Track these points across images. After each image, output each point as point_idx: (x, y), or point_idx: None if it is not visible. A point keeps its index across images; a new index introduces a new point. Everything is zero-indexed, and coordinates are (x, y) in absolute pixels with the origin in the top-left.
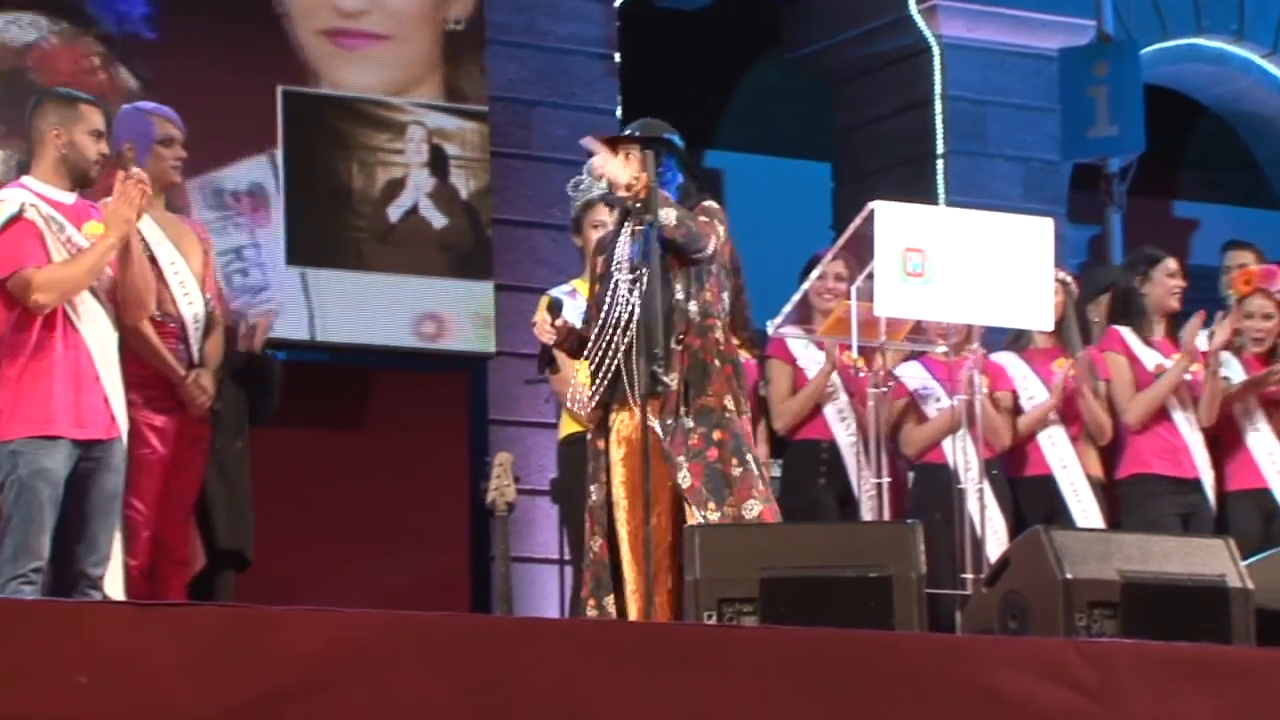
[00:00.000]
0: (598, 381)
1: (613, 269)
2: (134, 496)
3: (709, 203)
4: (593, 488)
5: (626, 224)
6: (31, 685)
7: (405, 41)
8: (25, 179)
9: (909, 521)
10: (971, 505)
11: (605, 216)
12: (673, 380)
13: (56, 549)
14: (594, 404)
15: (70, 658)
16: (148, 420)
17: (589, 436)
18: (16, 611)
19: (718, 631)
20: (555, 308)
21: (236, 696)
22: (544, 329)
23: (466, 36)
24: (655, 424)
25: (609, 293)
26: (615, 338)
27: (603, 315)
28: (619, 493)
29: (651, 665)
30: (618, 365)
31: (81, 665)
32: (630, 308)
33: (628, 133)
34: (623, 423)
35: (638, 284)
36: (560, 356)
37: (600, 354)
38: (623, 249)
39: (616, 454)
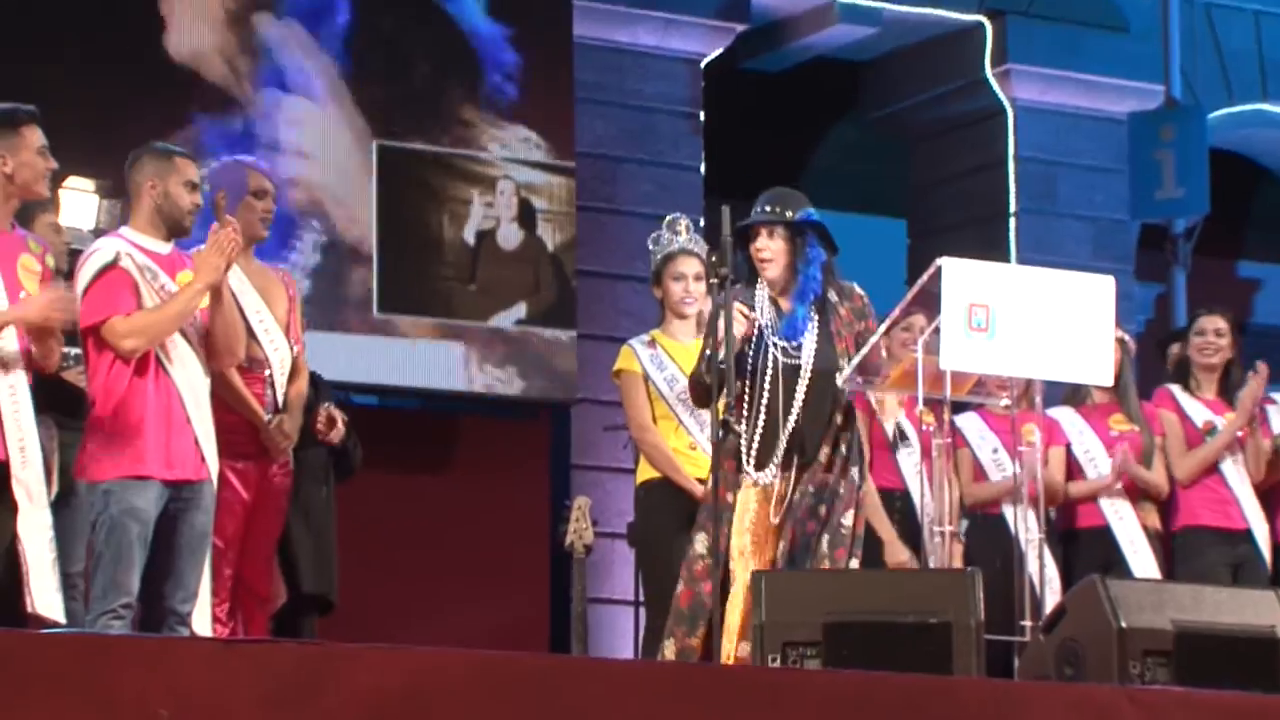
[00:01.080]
0: (756, 439)
1: (766, 335)
2: (217, 537)
3: (858, 289)
4: (699, 536)
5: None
6: (118, 717)
7: None
8: (122, 229)
9: (968, 569)
10: (1030, 557)
11: (685, 268)
12: (742, 430)
13: (146, 586)
14: (751, 461)
15: (154, 691)
16: (231, 465)
17: (709, 486)
18: (104, 646)
19: (782, 674)
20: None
21: None
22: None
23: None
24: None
25: (762, 356)
26: (777, 400)
27: (758, 376)
28: (742, 542)
29: (718, 706)
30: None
31: (164, 699)
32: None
33: (769, 212)
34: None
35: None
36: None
37: (757, 414)
38: (768, 312)
39: (747, 505)
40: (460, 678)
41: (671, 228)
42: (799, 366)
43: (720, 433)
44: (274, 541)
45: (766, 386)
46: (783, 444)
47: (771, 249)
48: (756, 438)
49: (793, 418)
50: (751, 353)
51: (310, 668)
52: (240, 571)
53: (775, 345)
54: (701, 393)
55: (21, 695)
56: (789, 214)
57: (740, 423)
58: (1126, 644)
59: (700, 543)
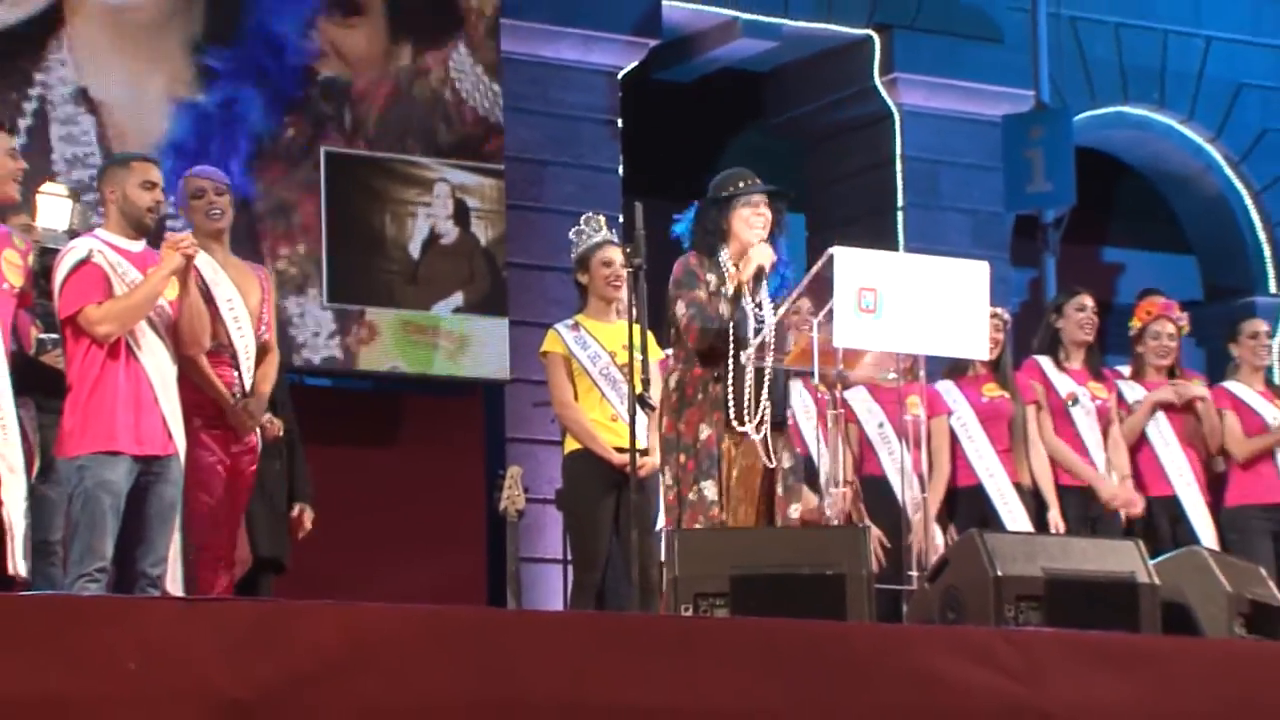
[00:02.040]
0: (757, 394)
1: (754, 302)
2: (207, 496)
3: None
4: (707, 484)
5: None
6: (89, 670)
7: None
8: (96, 230)
9: (860, 525)
10: (914, 514)
11: (612, 255)
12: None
13: (119, 552)
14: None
15: (122, 646)
16: (211, 435)
17: (705, 436)
18: (77, 606)
19: (693, 622)
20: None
21: (267, 680)
22: None
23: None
24: (779, 458)
25: (755, 320)
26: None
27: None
28: (733, 487)
29: (636, 652)
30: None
31: (132, 652)
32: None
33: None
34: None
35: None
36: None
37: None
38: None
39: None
40: (403, 630)
41: (589, 223)
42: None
43: (636, 405)
44: (241, 511)
45: (751, 348)
46: (766, 402)
47: (767, 218)
48: (747, 393)
49: (766, 378)
50: (730, 316)
51: (266, 624)
52: (212, 537)
53: (751, 311)
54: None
55: (2, 651)
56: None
57: (723, 381)
58: (1002, 590)
59: (709, 489)
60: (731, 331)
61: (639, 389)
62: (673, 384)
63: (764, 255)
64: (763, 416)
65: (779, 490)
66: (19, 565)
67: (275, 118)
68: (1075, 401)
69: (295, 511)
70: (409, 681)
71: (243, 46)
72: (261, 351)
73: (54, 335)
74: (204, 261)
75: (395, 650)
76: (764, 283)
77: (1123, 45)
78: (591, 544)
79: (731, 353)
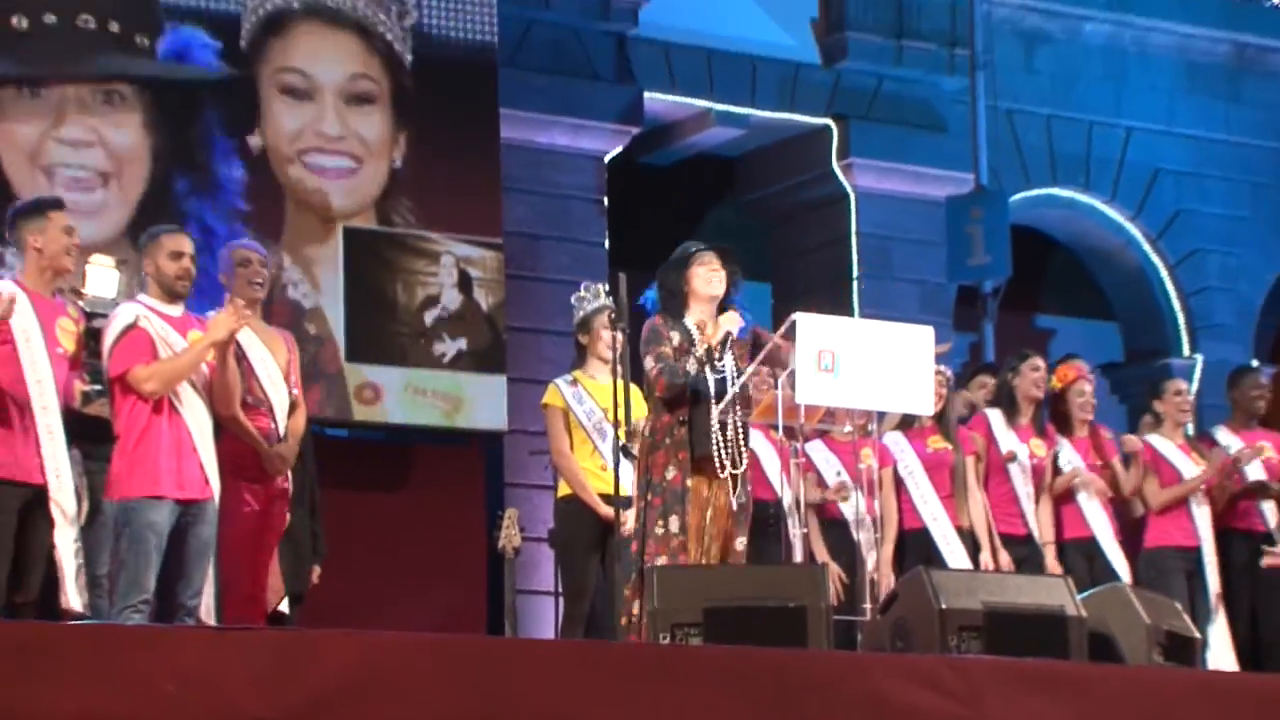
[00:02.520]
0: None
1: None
2: (231, 545)
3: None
4: (671, 518)
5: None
6: (131, 692)
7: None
8: (139, 296)
9: (819, 564)
10: (868, 553)
11: (602, 329)
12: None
13: (161, 586)
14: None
15: (162, 670)
16: (245, 484)
17: (671, 476)
18: (122, 634)
19: (670, 650)
20: None
21: (289, 702)
22: None
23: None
24: (734, 499)
25: (719, 378)
26: (733, 415)
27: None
28: (700, 521)
29: (620, 677)
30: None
31: (170, 676)
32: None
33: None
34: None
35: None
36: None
37: (720, 421)
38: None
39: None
40: (413, 656)
41: (590, 291)
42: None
43: (620, 455)
44: (273, 549)
45: (714, 399)
46: (734, 446)
47: (721, 273)
48: (715, 439)
49: (731, 425)
50: (697, 372)
51: (290, 650)
52: (247, 573)
53: (719, 369)
54: (678, 392)
55: (55, 675)
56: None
57: (686, 425)
58: (946, 622)
59: (673, 523)
60: (699, 385)
61: (622, 439)
62: (646, 431)
63: (732, 322)
64: (733, 460)
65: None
66: (73, 600)
67: None
68: (1014, 459)
69: (308, 569)
70: (418, 703)
71: None
72: (292, 406)
73: (97, 387)
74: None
75: (406, 674)
76: (729, 346)
77: (1053, 134)
78: (580, 579)
79: (699, 403)
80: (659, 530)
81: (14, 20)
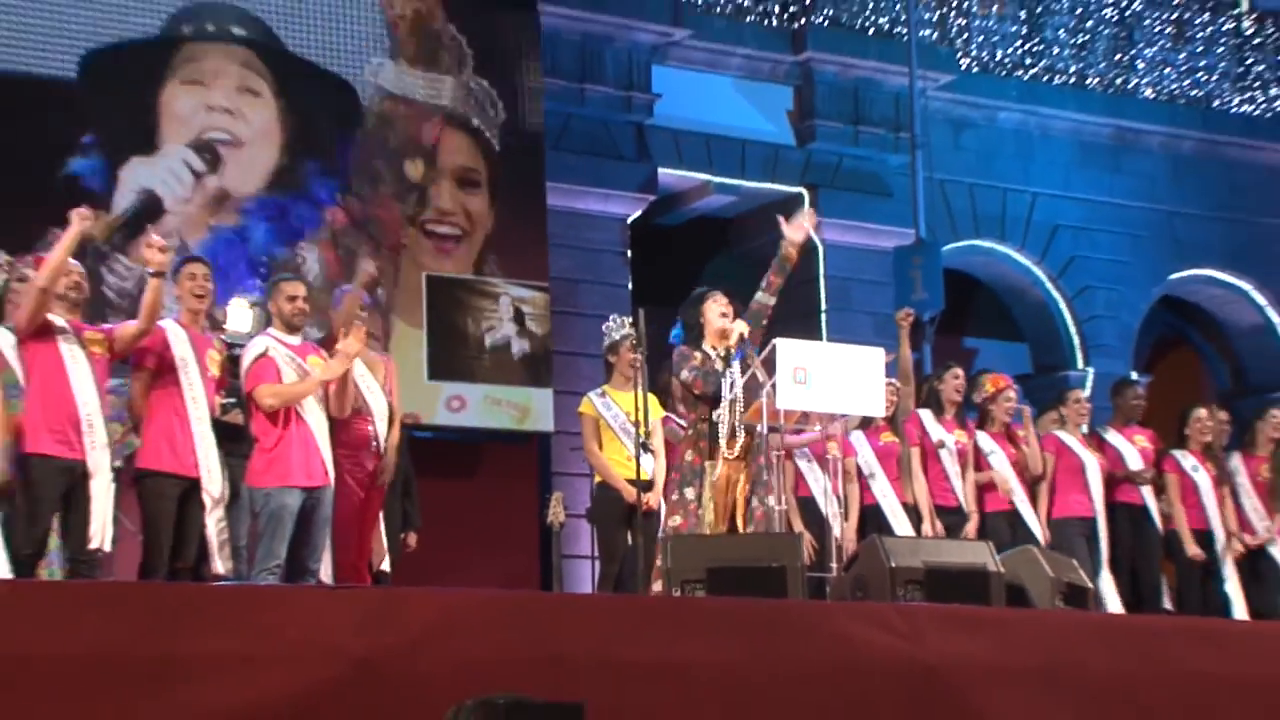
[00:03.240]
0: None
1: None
2: (342, 521)
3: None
4: (688, 490)
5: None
6: (266, 636)
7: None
8: (268, 330)
9: (796, 533)
10: (835, 524)
11: (626, 353)
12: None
13: (290, 554)
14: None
15: (290, 619)
16: (352, 476)
17: (691, 458)
18: (260, 592)
19: (681, 601)
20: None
21: (386, 643)
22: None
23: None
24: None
25: (730, 381)
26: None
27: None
28: (713, 494)
29: (642, 622)
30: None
31: (295, 624)
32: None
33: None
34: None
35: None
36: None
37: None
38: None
39: (712, 475)
40: (482, 607)
41: (617, 322)
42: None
43: (640, 449)
44: (373, 525)
45: (726, 399)
46: (740, 435)
47: (728, 308)
48: (722, 429)
49: (739, 418)
50: (722, 371)
51: (386, 603)
52: (358, 543)
53: (728, 373)
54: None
55: (207, 623)
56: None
57: (704, 423)
58: (895, 577)
59: (689, 493)
60: (720, 386)
61: (643, 437)
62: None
63: (742, 327)
64: (735, 448)
65: (743, 495)
66: (220, 566)
67: None
68: (943, 446)
69: (406, 535)
70: (486, 643)
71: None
72: (391, 415)
73: (231, 400)
74: None
75: (477, 621)
76: (734, 355)
77: (975, 198)
78: (611, 547)
79: (716, 403)
80: (674, 497)
81: None
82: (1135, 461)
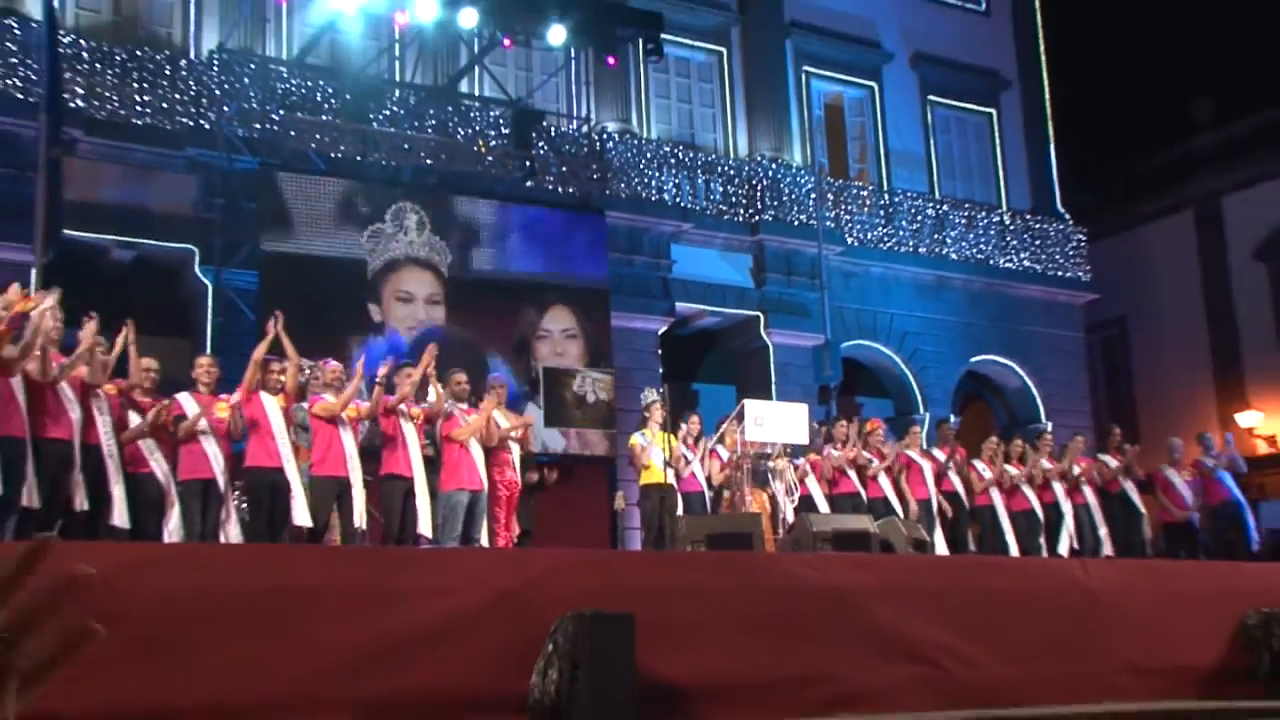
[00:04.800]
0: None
1: None
2: (499, 509)
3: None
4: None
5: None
6: (445, 576)
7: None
8: (448, 401)
9: (758, 513)
10: (785, 508)
11: (659, 408)
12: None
13: (463, 531)
14: None
15: (465, 570)
16: (500, 482)
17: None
18: (448, 552)
19: (692, 554)
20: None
21: (516, 580)
22: None
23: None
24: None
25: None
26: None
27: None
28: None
29: (668, 565)
30: None
31: (461, 573)
32: None
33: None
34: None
35: None
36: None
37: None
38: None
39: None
40: (578, 558)
41: (649, 393)
42: None
43: (665, 465)
44: (513, 513)
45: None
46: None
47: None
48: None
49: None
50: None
51: (521, 558)
52: (504, 527)
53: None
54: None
55: (417, 573)
56: None
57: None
58: (815, 538)
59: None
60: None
61: (666, 459)
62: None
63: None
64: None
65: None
66: (429, 533)
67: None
68: (850, 461)
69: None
70: (577, 579)
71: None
72: (522, 445)
73: (428, 441)
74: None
75: (572, 565)
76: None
77: (860, 318)
78: (650, 523)
79: None
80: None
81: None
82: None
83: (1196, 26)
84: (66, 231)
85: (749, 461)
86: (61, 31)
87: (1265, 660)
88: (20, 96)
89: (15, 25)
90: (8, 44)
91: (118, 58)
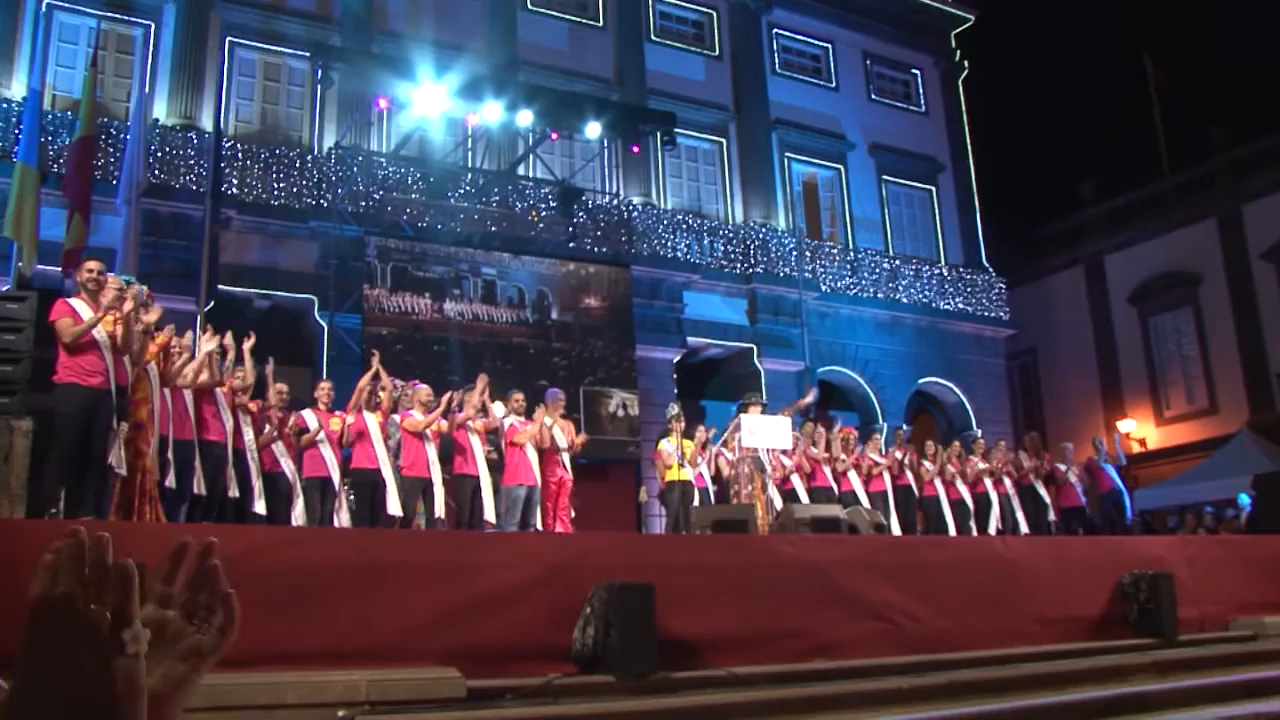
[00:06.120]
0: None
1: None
2: (548, 501)
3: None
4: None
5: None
6: (510, 553)
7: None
8: (508, 416)
9: (753, 503)
10: (775, 496)
11: (679, 419)
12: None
13: (521, 518)
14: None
15: (520, 545)
16: (552, 480)
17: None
18: (510, 535)
19: (701, 537)
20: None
21: (561, 556)
22: None
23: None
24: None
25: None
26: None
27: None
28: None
29: (685, 545)
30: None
31: (523, 548)
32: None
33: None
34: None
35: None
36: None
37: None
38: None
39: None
40: (612, 540)
41: (671, 408)
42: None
43: (683, 464)
44: (565, 503)
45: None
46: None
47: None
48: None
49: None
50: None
51: (562, 539)
52: (558, 513)
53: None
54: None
55: (485, 553)
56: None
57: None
58: (798, 523)
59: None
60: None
61: (686, 460)
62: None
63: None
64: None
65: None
66: (494, 519)
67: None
68: (829, 461)
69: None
70: (609, 556)
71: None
72: (570, 450)
73: (490, 447)
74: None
75: (605, 545)
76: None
77: (832, 349)
78: (672, 511)
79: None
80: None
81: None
82: (893, 463)
83: (1081, 124)
84: (221, 287)
85: (749, 462)
86: (225, 138)
87: (1134, 610)
88: (194, 188)
89: (194, 136)
90: (189, 150)
91: (262, 155)
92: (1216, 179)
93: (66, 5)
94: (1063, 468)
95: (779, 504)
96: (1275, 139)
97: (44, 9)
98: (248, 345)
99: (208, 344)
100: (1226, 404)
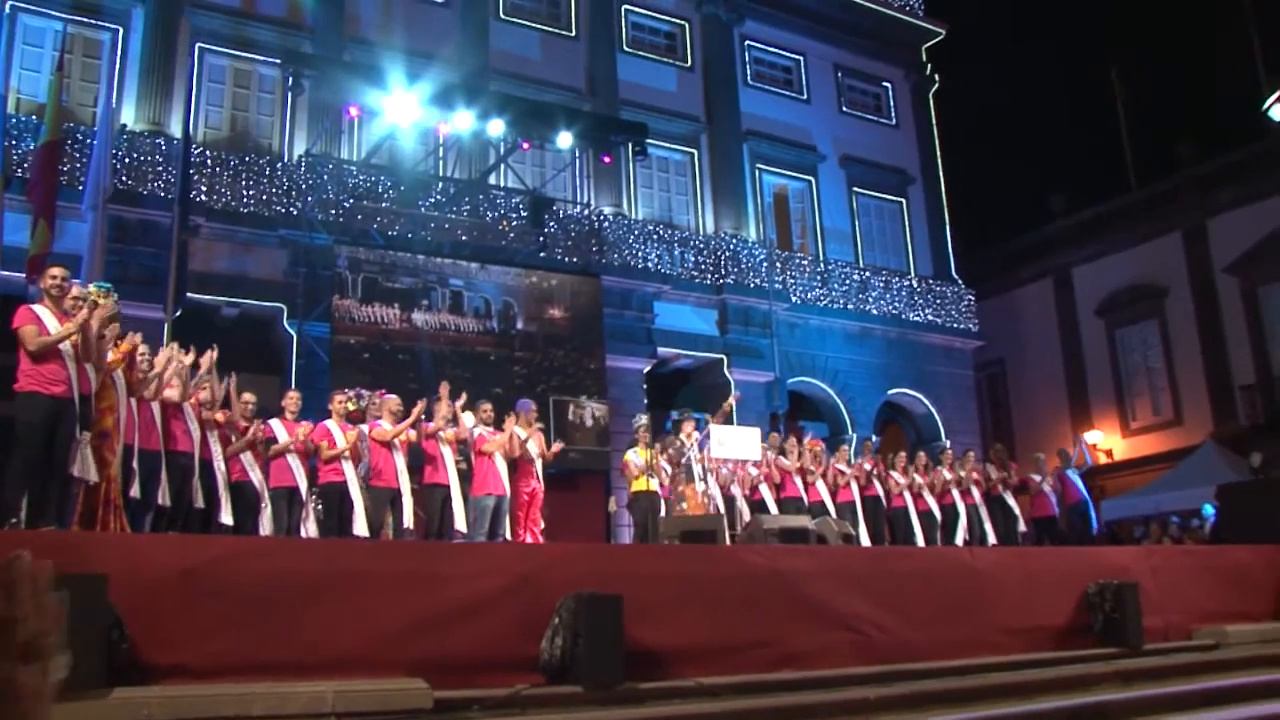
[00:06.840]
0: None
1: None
2: (514, 513)
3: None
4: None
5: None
6: (480, 563)
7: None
8: (471, 424)
9: (720, 514)
10: (744, 507)
11: (645, 430)
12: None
13: (490, 529)
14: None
15: (490, 556)
16: (522, 490)
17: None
18: (479, 546)
19: (668, 547)
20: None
21: (530, 566)
22: None
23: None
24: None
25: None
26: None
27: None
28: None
29: (652, 555)
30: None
31: (493, 558)
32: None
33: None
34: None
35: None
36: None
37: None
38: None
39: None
40: (581, 550)
41: (639, 419)
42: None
43: (649, 474)
44: (535, 513)
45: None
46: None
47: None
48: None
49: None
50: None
51: (530, 549)
52: (527, 524)
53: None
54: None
55: (458, 560)
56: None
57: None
58: (766, 532)
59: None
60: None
61: (651, 470)
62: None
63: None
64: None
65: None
66: (463, 529)
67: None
68: (799, 472)
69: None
70: (577, 566)
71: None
72: (544, 461)
73: (461, 458)
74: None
75: (575, 555)
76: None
77: (803, 359)
78: (640, 520)
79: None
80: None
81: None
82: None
83: (1050, 138)
84: (189, 294)
85: (715, 469)
86: (194, 144)
87: (1100, 619)
88: (162, 194)
89: (162, 142)
90: (157, 156)
91: (232, 162)
92: (1182, 193)
93: (31, 8)
94: (1036, 478)
95: (746, 515)
96: (1240, 155)
97: (8, 11)
98: (211, 358)
99: (181, 359)
100: (1191, 415)
